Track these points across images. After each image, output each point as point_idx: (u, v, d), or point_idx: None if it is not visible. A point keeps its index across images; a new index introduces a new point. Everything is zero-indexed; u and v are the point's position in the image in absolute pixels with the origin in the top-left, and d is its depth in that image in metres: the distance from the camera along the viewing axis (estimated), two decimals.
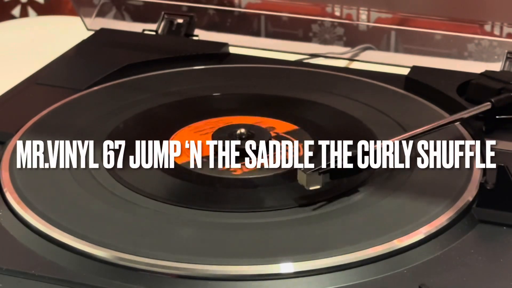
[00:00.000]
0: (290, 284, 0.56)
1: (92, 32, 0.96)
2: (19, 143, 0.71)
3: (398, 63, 0.91)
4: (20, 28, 1.19)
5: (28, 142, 0.71)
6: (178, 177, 0.67)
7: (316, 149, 0.71)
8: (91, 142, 0.71)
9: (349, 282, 0.56)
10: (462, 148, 0.70)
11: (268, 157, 0.69)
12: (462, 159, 0.69)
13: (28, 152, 0.70)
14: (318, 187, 0.62)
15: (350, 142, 0.66)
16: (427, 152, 0.69)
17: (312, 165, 0.63)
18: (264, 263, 0.56)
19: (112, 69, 0.85)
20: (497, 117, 0.73)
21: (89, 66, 0.87)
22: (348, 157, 0.63)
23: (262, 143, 0.70)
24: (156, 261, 0.56)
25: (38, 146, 0.71)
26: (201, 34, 0.97)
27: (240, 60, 0.90)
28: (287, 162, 0.69)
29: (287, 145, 0.71)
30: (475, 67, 0.84)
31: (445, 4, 0.88)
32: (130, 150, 0.71)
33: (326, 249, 0.57)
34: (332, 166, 0.63)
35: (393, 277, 0.56)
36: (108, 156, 0.70)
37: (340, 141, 0.69)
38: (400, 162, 0.68)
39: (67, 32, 1.07)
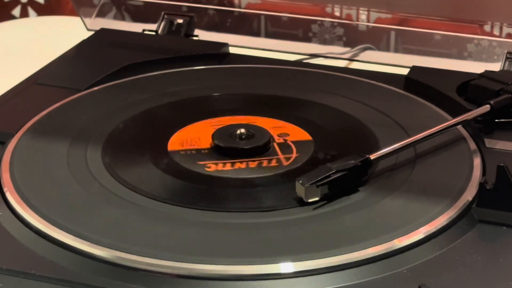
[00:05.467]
0: (290, 284, 0.56)
1: (92, 32, 0.96)
2: (19, 143, 0.71)
3: (398, 63, 0.91)
4: (20, 28, 1.19)
5: (28, 142, 0.71)
6: (178, 177, 0.67)
7: (315, 150, 0.71)
8: (91, 142, 0.71)
9: (349, 282, 0.56)
10: (461, 148, 0.70)
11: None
12: (461, 159, 0.69)
13: (28, 152, 0.70)
14: (316, 199, 0.62)
15: (349, 153, 0.66)
16: (427, 152, 0.69)
17: (310, 175, 0.63)
18: (264, 263, 0.56)
19: (112, 69, 0.85)
20: (496, 120, 0.73)
21: (89, 66, 0.87)
22: (347, 168, 0.63)
23: (262, 143, 0.70)
24: (156, 261, 0.56)
25: (38, 146, 0.71)
26: (201, 34, 0.97)
27: (240, 60, 0.90)
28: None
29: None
30: (475, 67, 0.84)
31: (445, 4, 0.89)
32: (130, 150, 0.71)
33: (326, 249, 0.57)
34: (330, 178, 0.63)
35: (393, 277, 0.56)
36: (108, 156, 0.70)
37: (339, 150, 0.70)
38: (400, 163, 0.68)
39: (67, 32, 1.07)
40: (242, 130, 0.71)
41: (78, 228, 0.59)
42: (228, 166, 0.68)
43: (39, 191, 0.64)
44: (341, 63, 0.95)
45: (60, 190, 0.65)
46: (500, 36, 0.89)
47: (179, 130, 0.74)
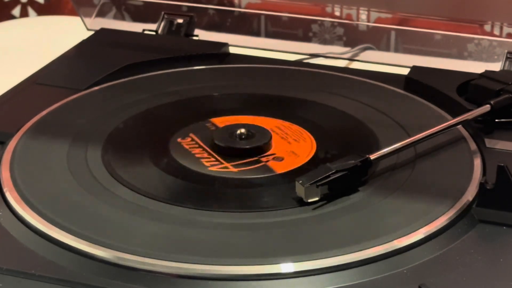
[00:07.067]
0: (290, 284, 0.56)
1: (92, 32, 0.96)
2: (19, 143, 0.71)
3: (398, 63, 0.91)
4: (20, 28, 1.19)
5: (28, 142, 0.71)
6: (178, 177, 0.67)
7: (315, 150, 0.71)
8: (91, 142, 0.71)
9: (349, 282, 0.56)
10: (461, 148, 0.70)
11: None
12: (462, 159, 0.69)
13: (28, 152, 0.70)
14: (316, 199, 0.62)
15: (349, 153, 0.66)
16: (427, 152, 0.69)
17: (310, 175, 0.63)
18: (264, 263, 0.56)
19: (112, 69, 0.85)
20: (496, 120, 0.73)
21: (89, 66, 0.87)
22: (347, 168, 0.63)
23: (262, 143, 0.70)
24: (156, 261, 0.56)
25: (38, 146, 0.71)
26: (201, 34, 0.97)
27: (240, 60, 0.90)
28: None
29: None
30: (475, 67, 0.84)
31: (445, 4, 0.89)
32: (130, 150, 0.71)
33: (326, 249, 0.57)
34: (330, 178, 0.63)
35: (393, 277, 0.56)
36: (108, 156, 0.70)
37: (339, 149, 0.70)
38: (400, 163, 0.68)
39: (67, 32, 1.07)
40: (242, 130, 0.71)
41: (78, 228, 0.59)
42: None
43: (39, 191, 0.64)
44: (341, 63, 0.95)
45: (60, 190, 0.65)
46: (500, 36, 0.89)
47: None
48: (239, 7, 0.99)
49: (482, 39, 0.89)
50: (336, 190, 0.63)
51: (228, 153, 0.70)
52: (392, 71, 0.87)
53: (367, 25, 0.94)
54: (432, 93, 0.80)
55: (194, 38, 0.96)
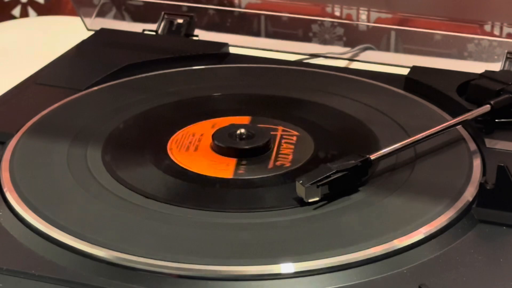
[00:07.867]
0: (290, 284, 0.56)
1: (92, 32, 0.96)
2: (19, 143, 0.71)
3: (398, 63, 0.91)
4: (20, 28, 1.19)
5: (28, 142, 0.71)
6: (178, 177, 0.67)
7: (315, 150, 0.71)
8: (91, 142, 0.71)
9: (349, 282, 0.56)
10: (461, 148, 0.70)
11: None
12: (462, 159, 0.69)
13: (28, 152, 0.70)
14: (316, 199, 0.62)
15: (349, 153, 0.66)
16: (427, 152, 0.69)
17: (310, 176, 0.63)
18: (264, 263, 0.56)
19: (112, 69, 0.85)
20: (496, 120, 0.73)
21: (89, 66, 0.87)
22: (347, 168, 0.63)
23: (262, 143, 0.70)
24: (156, 261, 0.56)
25: (38, 146, 0.71)
26: (201, 34, 0.97)
27: (240, 60, 0.90)
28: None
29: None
30: (475, 67, 0.84)
31: (445, 4, 0.89)
32: (130, 150, 0.71)
33: (326, 249, 0.57)
34: (331, 178, 0.63)
35: (393, 277, 0.56)
36: (108, 156, 0.70)
37: (339, 150, 0.70)
38: (400, 163, 0.68)
39: (67, 32, 1.07)
40: (242, 130, 0.71)
41: (78, 228, 0.59)
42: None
43: (39, 191, 0.64)
44: (341, 63, 0.95)
45: (60, 190, 0.65)
46: (500, 36, 0.89)
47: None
48: (239, 7, 0.99)
49: (482, 39, 0.89)
50: (336, 190, 0.63)
51: (228, 153, 0.70)
52: (392, 71, 0.87)
53: (367, 25, 0.94)
54: (432, 93, 0.80)
55: (194, 38, 0.96)
